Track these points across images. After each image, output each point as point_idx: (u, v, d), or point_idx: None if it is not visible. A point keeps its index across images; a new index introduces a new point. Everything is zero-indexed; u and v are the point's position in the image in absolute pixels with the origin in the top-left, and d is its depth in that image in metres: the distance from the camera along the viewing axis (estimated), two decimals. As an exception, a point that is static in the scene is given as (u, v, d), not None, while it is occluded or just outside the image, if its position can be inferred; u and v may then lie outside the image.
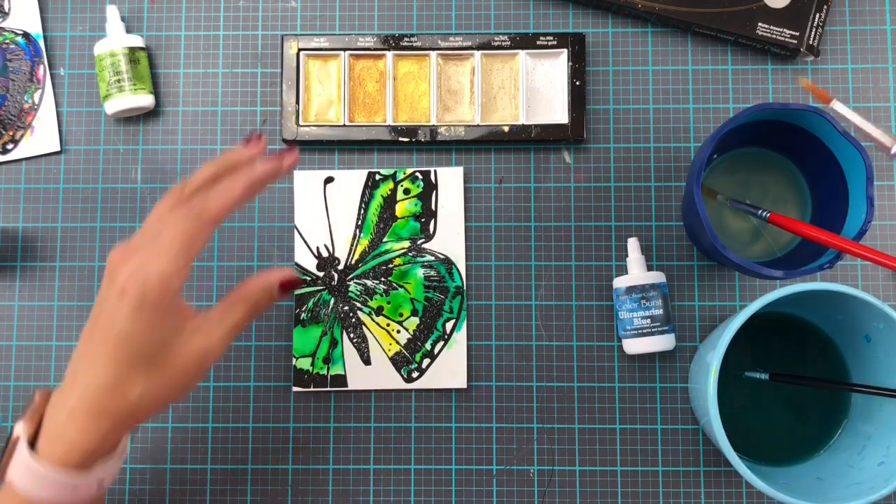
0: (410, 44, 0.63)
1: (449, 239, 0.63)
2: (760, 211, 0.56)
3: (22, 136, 0.64)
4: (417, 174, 0.63)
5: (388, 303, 0.62)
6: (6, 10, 0.65)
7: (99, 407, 0.43)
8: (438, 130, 0.63)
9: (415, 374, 0.62)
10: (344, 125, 0.63)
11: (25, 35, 0.65)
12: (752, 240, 0.61)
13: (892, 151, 0.51)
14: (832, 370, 0.58)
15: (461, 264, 0.63)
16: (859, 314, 0.53)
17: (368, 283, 0.63)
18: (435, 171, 0.63)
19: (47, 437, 0.43)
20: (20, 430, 0.43)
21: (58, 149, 0.64)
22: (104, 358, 0.43)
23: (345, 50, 0.64)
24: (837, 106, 0.52)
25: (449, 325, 0.62)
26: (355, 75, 0.64)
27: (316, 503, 0.61)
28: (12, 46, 0.65)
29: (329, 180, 0.64)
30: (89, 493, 0.45)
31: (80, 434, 0.43)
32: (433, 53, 0.64)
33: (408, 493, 0.61)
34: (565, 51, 0.63)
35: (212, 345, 0.46)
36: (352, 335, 0.62)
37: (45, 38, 0.65)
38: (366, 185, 0.63)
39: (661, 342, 0.59)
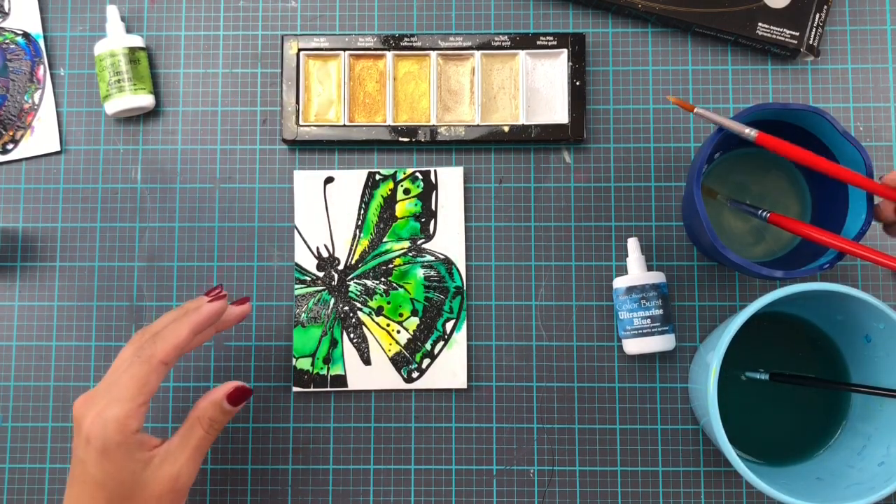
0: (410, 44, 0.63)
1: (449, 239, 0.63)
2: (760, 211, 0.56)
3: (22, 136, 0.64)
4: (417, 174, 0.63)
5: (388, 303, 0.62)
6: (6, 10, 0.65)
7: None
8: (438, 130, 0.63)
9: (415, 375, 0.62)
10: (344, 125, 0.63)
11: (25, 35, 0.65)
12: (752, 240, 0.61)
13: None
14: (832, 370, 0.58)
15: (461, 264, 0.63)
16: (859, 314, 0.53)
17: (368, 283, 0.63)
18: (435, 171, 0.63)
19: None
20: None
21: (58, 149, 0.64)
22: (82, 494, 0.48)
23: (345, 50, 0.64)
24: (700, 110, 0.53)
25: (449, 326, 0.62)
26: (355, 75, 0.64)
27: (316, 503, 0.61)
28: (12, 46, 0.65)
29: (329, 180, 0.64)
30: None
31: None
32: (433, 53, 0.64)
33: (408, 493, 0.61)
34: (565, 51, 0.63)
35: (179, 470, 0.50)
36: (352, 335, 0.62)
37: (45, 38, 0.65)
38: (366, 185, 0.63)
39: (661, 342, 0.59)
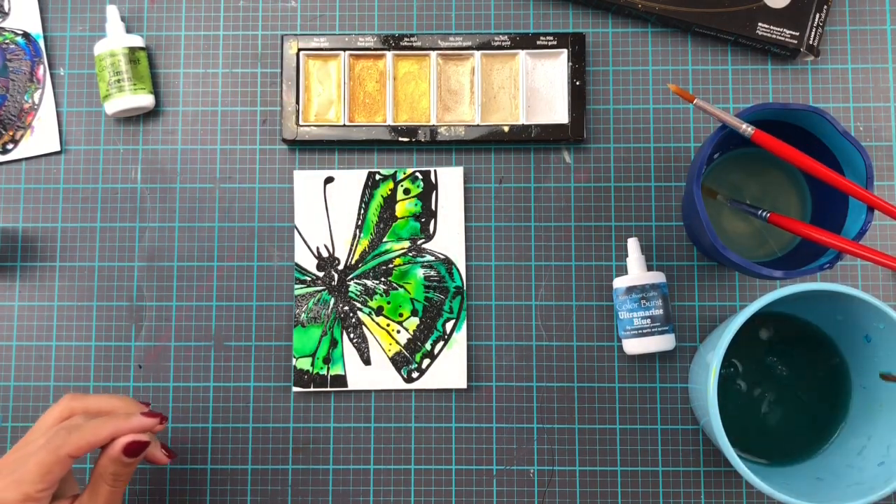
0: (410, 44, 0.63)
1: (449, 239, 0.63)
2: (760, 211, 0.56)
3: (22, 136, 0.64)
4: (417, 174, 0.63)
5: (388, 303, 0.62)
6: (6, 10, 0.65)
7: None
8: (438, 130, 0.63)
9: (415, 375, 0.62)
10: (344, 125, 0.63)
11: (25, 35, 0.65)
12: (752, 240, 0.61)
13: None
14: (832, 370, 0.58)
15: (461, 264, 0.63)
16: (859, 314, 0.53)
17: (368, 283, 0.63)
18: (435, 171, 0.63)
19: None
20: None
21: (58, 149, 0.64)
22: None
23: (345, 50, 0.64)
24: (700, 102, 0.53)
25: (449, 326, 0.62)
26: (355, 75, 0.64)
27: (316, 503, 0.61)
28: (12, 46, 0.65)
29: (329, 180, 0.64)
30: None
31: None
32: (433, 53, 0.64)
33: (408, 493, 0.61)
34: (565, 51, 0.63)
35: None
36: (352, 335, 0.62)
37: (45, 38, 0.65)
38: (366, 185, 0.63)
39: (661, 342, 0.59)
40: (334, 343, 0.62)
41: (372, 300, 0.62)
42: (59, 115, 0.65)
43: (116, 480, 0.51)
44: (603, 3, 0.64)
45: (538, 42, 0.63)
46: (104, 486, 0.51)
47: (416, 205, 0.63)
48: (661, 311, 0.59)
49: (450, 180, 0.63)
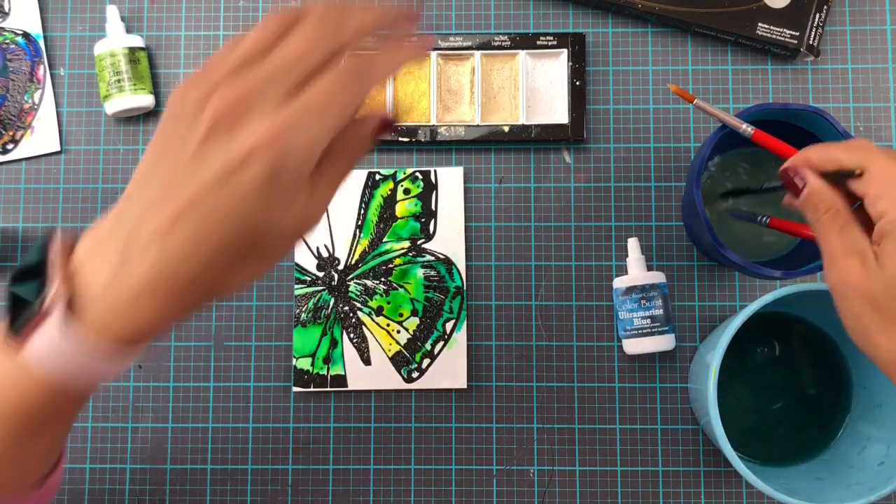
0: (410, 44, 0.63)
1: (449, 239, 0.63)
2: (760, 217, 0.56)
3: (22, 136, 0.64)
4: (417, 174, 0.63)
5: (388, 303, 0.62)
6: (6, 10, 0.65)
7: (187, 283, 0.33)
8: (438, 130, 0.63)
9: (415, 375, 0.62)
10: (344, 125, 0.63)
11: (25, 35, 0.65)
12: (752, 240, 0.61)
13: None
14: (832, 370, 0.58)
15: (461, 264, 0.63)
16: (859, 314, 0.52)
17: (368, 283, 0.63)
18: (435, 171, 0.63)
19: (104, 307, 0.33)
20: (52, 293, 0.33)
21: (58, 149, 0.64)
22: (182, 250, 0.32)
23: (345, 50, 0.64)
24: (700, 102, 0.53)
25: (449, 326, 0.62)
26: (355, 75, 0.64)
27: (316, 503, 0.61)
28: (12, 46, 0.65)
29: (329, 180, 0.63)
30: (111, 375, 0.36)
31: (157, 311, 0.33)
32: (433, 53, 0.64)
33: (408, 493, 0.61)
34: (565, 51, 0.63)
35: (318, 213, 0.35)
36: (352, 335, 0.62)
37: (45, 38, 0.65)
38: (366, 185, 0.63)
39: (661, 342, 0.59)
40: (334, 343, 0.62)
41: (372, 300, 0.62)
42: (59, 115, 0.65)
43: (355, 164, 0.37)
44: (603, 3, 0.64)
45: (538, 42, 0.63)
46: (345, 166, 0.36)
47: (416, 205, 0.63)
48: (661, 311, 0.59)
49: (450, 180, 0.63)
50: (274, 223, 0.33)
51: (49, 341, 0.33)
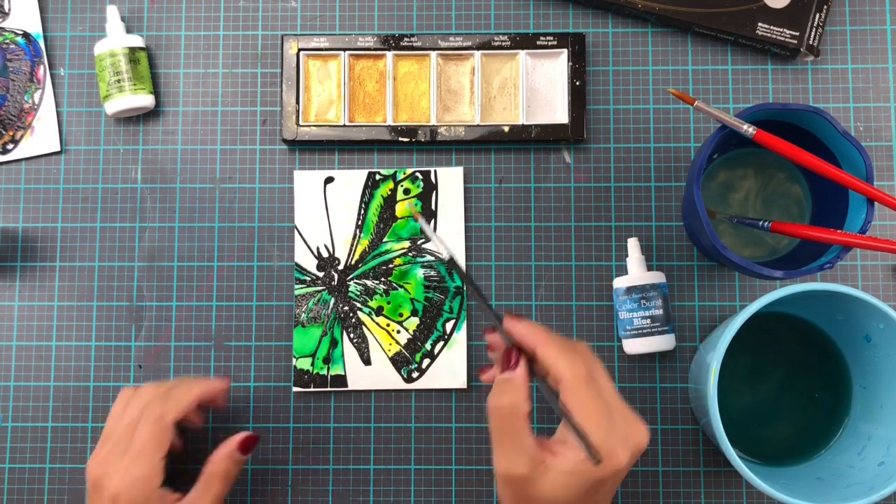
0: (410, 44, 0.63)
1: (449, 239, 0.63)
2: (762, 222, 0.56)
3: (22, 136, 0.64)
4: (417, 174, 0.63)
5: (388, 303, 0.62)
6: (6, 10, 0.65)
7: None
8: (438, 130, 0.63)
9: (415, 375, 0.62)
10: (344, 125, 0.63)
11: (25, 35, 0.65)
12: (752, 240, 0.61)
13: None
14: (832, 370, 0.58)
15: (461, 264, 0.63)
16: (859, 314, 0.53)
17: (368, 283, 0.63)
18: (435, 171, 0.63)
19: None
20: None
21: (58, 149, 0.64)
22: None
23: (345, 50, 0.64)
24: (700, 104, 0.53)
25: (449, 325, 0.62)
26: (355, 75, 0.64)
27: (316, 503, 0.61)
28: (12, 46, 0.65)
29: (329, 180, 0.64)
30: None
31: None
32: (433, 53, 0.64)
33: (408, 493, 0.61)
34: (565, 51, 0.63)
35: None
36: (352, 335, 0.62)
37: (45, 38, 0.65)
38: (366, 185, 0.63)
39: (661, 342, 0.59)
40: (334, 343, 0.62)
41: (372, 300, 0.62)
42: (59, 115, 0.65)
43: (228, 478, 0.54)
44: (603, 3, 0.64)
45: (538, 42, 0.63)
46: (216, 484, 0.53)
47: (416, 205, 0.63)
48: (661, 311, 0.59)
49: (450, 180, 0.63)
50: None
51: None
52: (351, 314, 0.62)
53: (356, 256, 0.63)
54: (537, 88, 0.64)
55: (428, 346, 0.62)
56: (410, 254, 0.63)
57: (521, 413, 0.45)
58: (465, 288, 0.62)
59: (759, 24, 0.62)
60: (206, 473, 0.54)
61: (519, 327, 0.47)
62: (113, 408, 0.55)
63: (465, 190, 0.64)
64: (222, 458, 0.54)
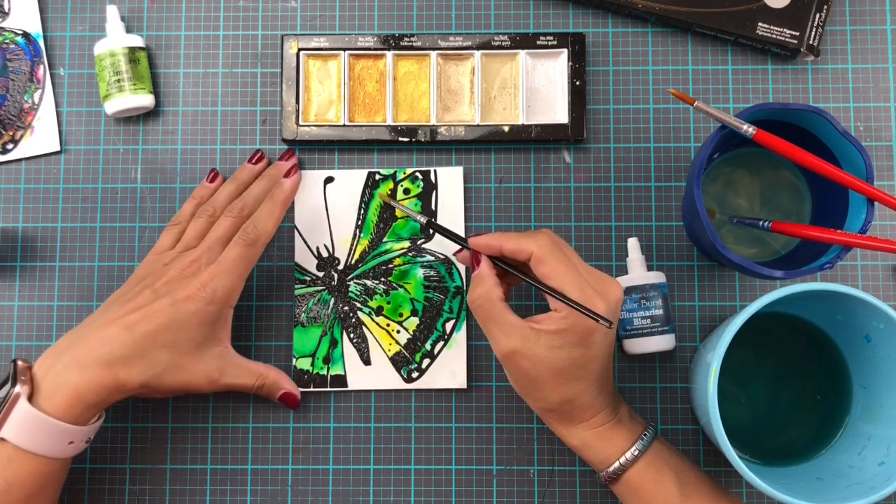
0: (410, 44, 0.63)
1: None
2: (762, 222, 0.56)
3: (22, 136, 0.64)
4: (417, 174, 0.63)
5: (388, 303, 0.62)
6: (6, 10, 0.65)
7: (112, 363, 0.51)
8: (438, 130, 0.63)
9: (415, 375, 0.62)
10: (344, 125, 0.63)
11: (25, 35, 0.65)
12: (753, 240, 0.61)
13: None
14: (832, 370, 0.58)
15: (461, 264, 0.63)
16: (859, 314, 0.53)
17: (368, 283, 0.63)
18: (435, 171, 0.63)
19: (50, 387, 0.50)
20: (17, 388, 0.49)
21: (58, 149, 0.64)
22: (140, 334, 0.52)
23: (345, 50, 0.64)
24: (700, 104, 0.54)
25: (449, 326, 0.62)
26: (355, 75, 0.64)
27: (316, 503, 0.61)
28: (12, 46, 0.65)
29: (329, 180, 0.64)
30: (76, 451, 0.52)
31: (89, 382, 0.50)
32: (433, 53, 0.64)
33: (408, 493, 0.61)
34: (565, 51, 0.63)
35: (210, 383, 0.56)
36: (352, 335, 0.62)
37: (45, 37, 0.65)
38: (366, 185, 0.63)
39: (661, 342, 0.59)
40: (334, 343, 0.62)
41: (372, 300, 0.62)
42: (59, 115, 0.65)
43: (256, 392, 0.59)
44: (603, 3, 0.64)
45: (538, 42, 0.63)
46: (250, 386, 0.58)
47: (415, 205, 0.63)
48: (661, 311, 0.59)
49: (450, 180, 0.63)
50: (199, 343, 0.54)
51: (16, 424, 0.49)
52: (351, 314, 0.62)
53: (356, 256, 0.63)
54: (537, 88, 0.64)
55: (428, 346, 0.62)
56: (410, 254, 0.63)
57: (496, 297, 0.52)
58: (433, 233, 0.62)
59: (760, 23, 0.62)
60: (260, 381, 0.58)
61: (481, 239, 0.54)
62: (192, 222, 0.59)
63: (465, 190, 0.64)
64: (271, 384, 0.59)
